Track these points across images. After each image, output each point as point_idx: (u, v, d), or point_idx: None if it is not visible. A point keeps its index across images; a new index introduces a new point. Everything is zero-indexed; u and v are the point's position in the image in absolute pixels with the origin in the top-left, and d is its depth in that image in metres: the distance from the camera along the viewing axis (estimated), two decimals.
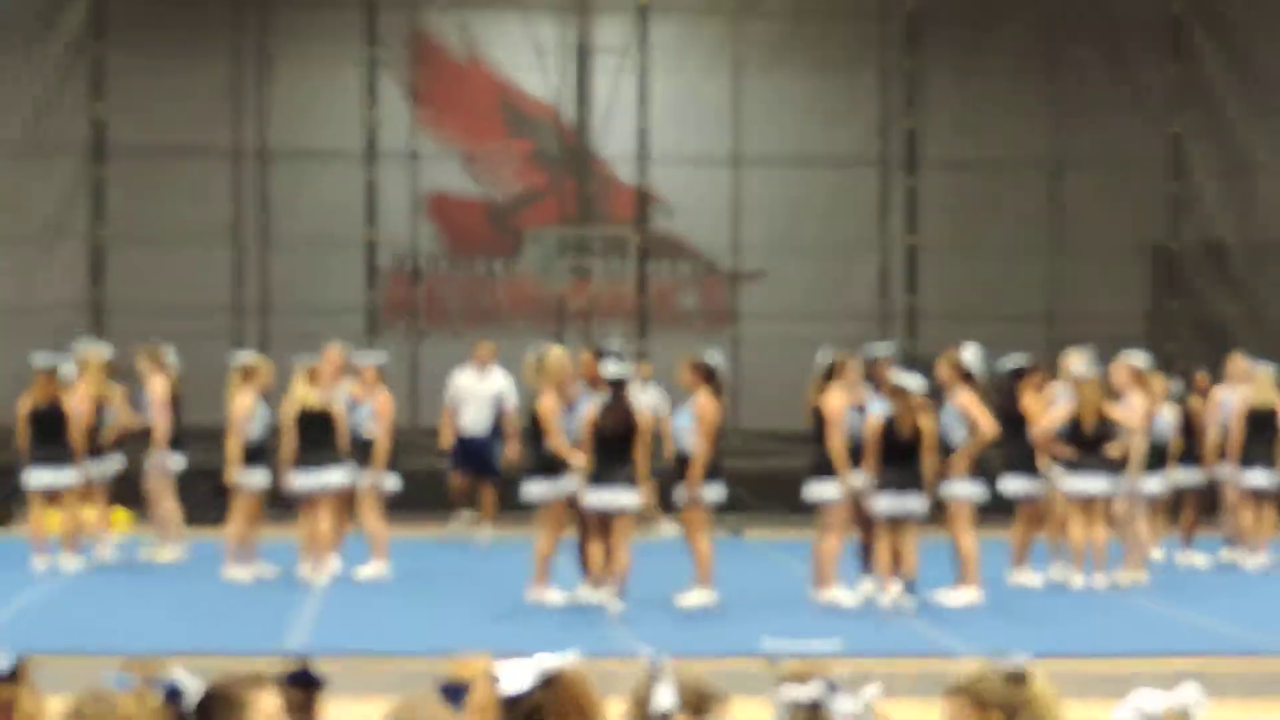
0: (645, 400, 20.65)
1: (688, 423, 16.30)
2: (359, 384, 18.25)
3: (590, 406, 15.91)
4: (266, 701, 5.11)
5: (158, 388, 19.12)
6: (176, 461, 19.31)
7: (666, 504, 18.13)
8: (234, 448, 17.83)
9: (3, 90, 24.21)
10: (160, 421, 19.00)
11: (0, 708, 5.92)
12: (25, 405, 18.26)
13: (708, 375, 16.32)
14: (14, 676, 5.94)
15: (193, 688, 5.02)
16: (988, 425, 16.44)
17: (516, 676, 5.15)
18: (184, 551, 19.24)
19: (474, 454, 21.18)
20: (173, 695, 5.02)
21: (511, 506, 19.54)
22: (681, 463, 16.24)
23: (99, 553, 18.71)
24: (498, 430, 21.18)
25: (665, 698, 5.36)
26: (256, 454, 18.00)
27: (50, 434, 18.16)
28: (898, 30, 24.93)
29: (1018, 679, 5.61)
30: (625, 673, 6.27)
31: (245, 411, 17.88)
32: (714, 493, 16.38)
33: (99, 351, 18.86)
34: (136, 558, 19.12)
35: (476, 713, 5.54)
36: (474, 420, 21.16)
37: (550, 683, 5.19)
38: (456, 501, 21.43)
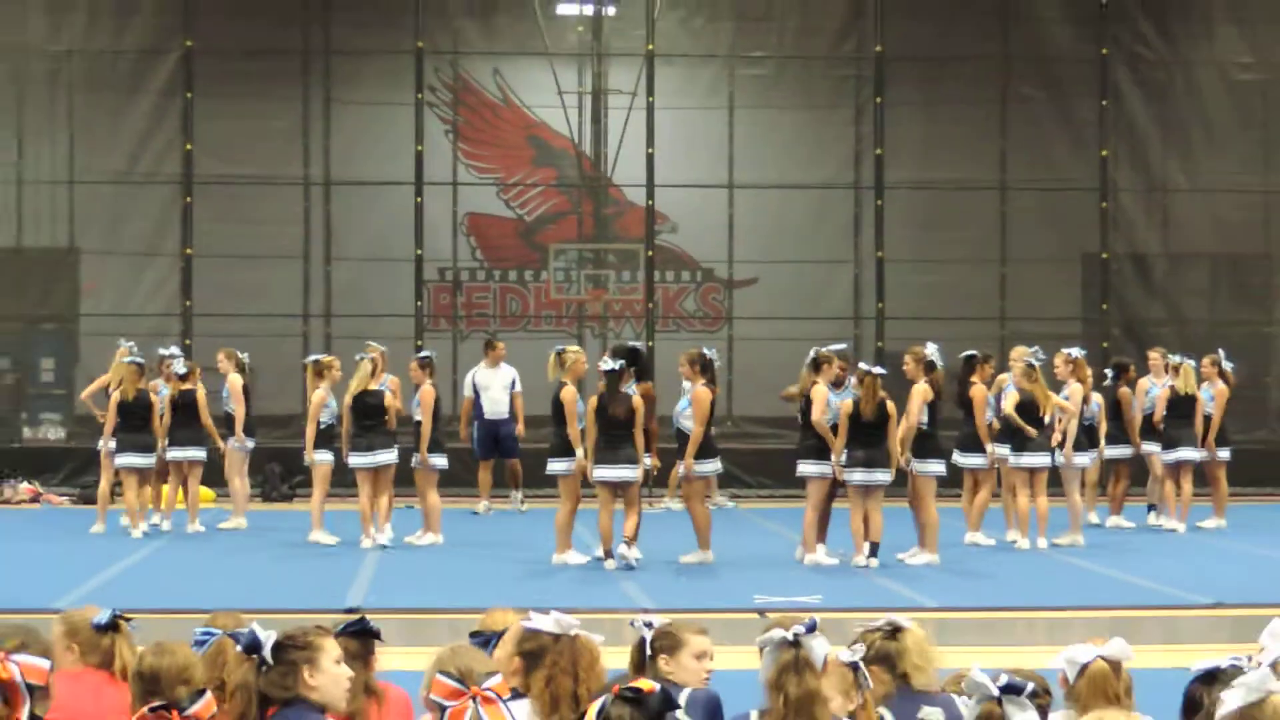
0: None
1: (685, 408, 16.33)
2: (410, 376, 18.34)
3: (593, 396, 15.97)
4: (332, 647, 5.13)
5: (235, 383, 19.21)
6: (249, 445, 19.45)
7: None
8: (310, 433, 17.89)
9: (107, 130, 24.26)
10: (239, 411, 19.14)
11: (102, 654, 5.97)
12: (115, 397, 18.29)
13: (703, 367, 16.33)
14: (113, 628, 5.98)
15: (269, 638, 5.04)
16: (911, 423, 16.29)
17: (542, 620, 5.26)
18: (246, 520, 19.27)
19: (498, 436, 21.20)
20: (252, 644, 5.04)
21: (536, 482, 19.53)
22: (681, 442, 16.30)
23: (186, 525, 18.75)
24: (513, 413, 21.22)
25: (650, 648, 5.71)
26: (328, 437, 18.04)
27: (137, 422, 18.20)
28: (868, 73, 24.90)
29: (892, 633, 5.59)
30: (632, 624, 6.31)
31: (320, 402, 17.92)
32: (713, 467, 16.42)
33: (124, 350, 18.74)
34: (216, 528, 19.16)
35: (504, 648, 5.65)
36: (494, 406, 21.20)
37: (561, 637, 5.25)
38: (482, 489, 21.37)
